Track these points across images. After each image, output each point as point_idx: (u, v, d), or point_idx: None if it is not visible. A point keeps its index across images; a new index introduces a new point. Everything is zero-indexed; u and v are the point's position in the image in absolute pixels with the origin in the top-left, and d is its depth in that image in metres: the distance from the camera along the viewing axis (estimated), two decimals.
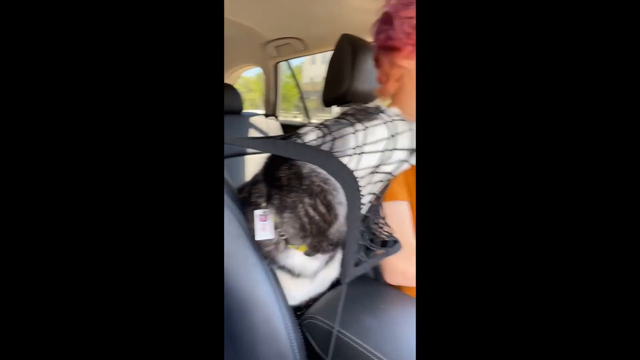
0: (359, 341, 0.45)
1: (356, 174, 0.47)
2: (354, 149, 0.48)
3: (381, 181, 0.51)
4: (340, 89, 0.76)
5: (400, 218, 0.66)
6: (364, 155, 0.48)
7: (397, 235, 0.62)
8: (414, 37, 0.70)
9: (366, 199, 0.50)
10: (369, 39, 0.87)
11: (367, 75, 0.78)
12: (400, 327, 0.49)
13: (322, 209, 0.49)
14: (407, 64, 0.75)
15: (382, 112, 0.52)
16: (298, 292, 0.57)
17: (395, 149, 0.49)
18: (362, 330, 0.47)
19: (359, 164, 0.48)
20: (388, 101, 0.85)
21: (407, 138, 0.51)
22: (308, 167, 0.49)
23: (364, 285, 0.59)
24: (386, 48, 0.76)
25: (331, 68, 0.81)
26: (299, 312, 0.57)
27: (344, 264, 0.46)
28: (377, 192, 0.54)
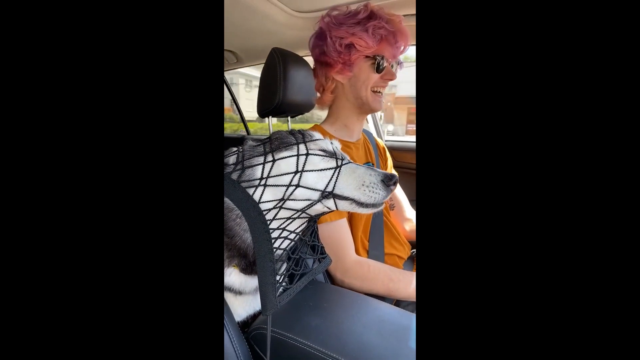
0: (303, 341, 0.46)
1: (262, 206, 0.46)
2: (259, 180, 0.47)
3: (292, 218, 0.48)
4: (273, 101, 0.78)
5: (334, 238, 0.69)
6: (267, 187, 0.47)
7: (333, 254, 0.65)
8: (345, 55, 0.75)
9: (276, 234, 0.47)
10: (299, 52, 0.91)
11: (299, 88, 0.81)
12: (347, 322, 0.52)
13: (225, 235, 0.48)
14: (340, 78, 0.80)
15: (302, 143, 0.49)
16: (242, 308, 0.56)
17: (299, 186, 0.46)
18: (307, 330, 0.48)
19: (263, 196, 0.47)
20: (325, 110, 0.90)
21: (320, 178, 0.46)
22: None
23: (310, 287, 0.61)
24: (320, 62, 0.81)
25: (263, 81, 0.83)
26: (246, 328, 0.56)
27: (262, 298, 0.44)
28: (295, 230, 0.50)
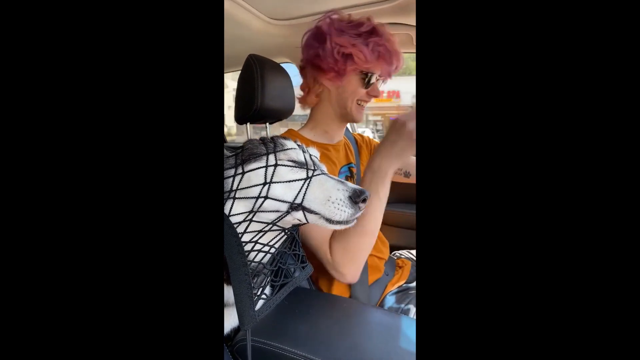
0: (291, 349, 0.45)
1: (232, 219, 0.45)
2: (228, 192, 0.46)
3: (263, 231, 0.46)
4: (250, 108, 0.77)
5: (313, 234, 0.66)
6: (237, 200, 0.46)
7: (315, 250, 0.63)
8: (341, 64, 0.72)
9: (249, 247, 0.45)
10: (276, 59, 0.91)
11: (277, 94, 0.81)
12: (334, 327, 0.52)
13: None
14: (328, 85, 0.79)
15: (272, 153, 0.48)
16: (226, 321, 0.54)
17: (267, 198, 0.44)
18: (294, 338, 0.47)
19: (234, 209, 0.45)
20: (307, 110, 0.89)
21: (289, 189, 0.45)
22: None
23: (295, 295, 0.60)
24: (312, 64, 0.78)
25: (240, 88, 0.82)
26: (229, 341, 0.54)
27: (239, 312, 0.43)
28: (269, 243, 0.48)
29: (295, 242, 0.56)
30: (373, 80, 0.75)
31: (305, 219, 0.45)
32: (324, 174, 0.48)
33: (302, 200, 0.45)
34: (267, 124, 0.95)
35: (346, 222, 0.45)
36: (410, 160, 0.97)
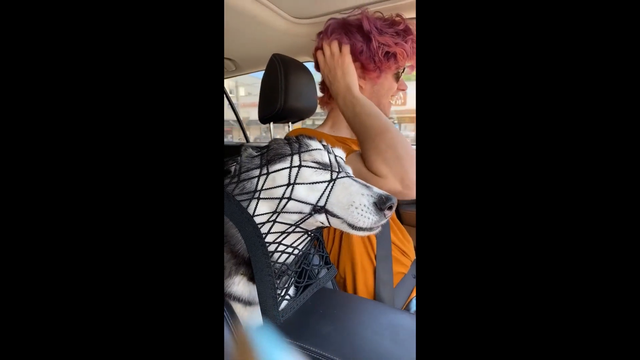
0: (314, 349, 0.45)
1: (256, 219, 0.44)
2: (254, 192, 0.46)
3: (286, 232, 0.45)
4: (274, 108, 0.78)
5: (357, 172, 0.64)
6: (262, 200, 0.45)
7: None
8: (384, 63, 0.72)
9: (273, 247, 0.45)
10: (299, 59, 0.91)
11: (300, 94, 0.81)
12: (359, 329, 0.51)
13: (228, 242, 0.46)
14: (362, 83, 0.76)
15: (296, 154, 0.47)
16: (252, 320, 0.54)
17: (291, 199, 0.44)
18: (318, 338, 0.47)
19: (258, 209, 0.45)
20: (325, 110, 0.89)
21: (312, 191, 0.44)
22: None
23: (319, 295, 0.60)
24: (358, 61, 0.74)
25: (263, 87, 0.83)
26: None
27: (263, 313, 0.43)
28: (292, 245, 0.47)
29: (320, 243, 0.56)
30: (401, 74, 0.76)
31: (328, 222, 0.44)
32: (348, 176, 0.47)
33: (325, 203, 0.44)
34: (290, 123, 0.95)
35: (370, 229, 0.43)
36: None
